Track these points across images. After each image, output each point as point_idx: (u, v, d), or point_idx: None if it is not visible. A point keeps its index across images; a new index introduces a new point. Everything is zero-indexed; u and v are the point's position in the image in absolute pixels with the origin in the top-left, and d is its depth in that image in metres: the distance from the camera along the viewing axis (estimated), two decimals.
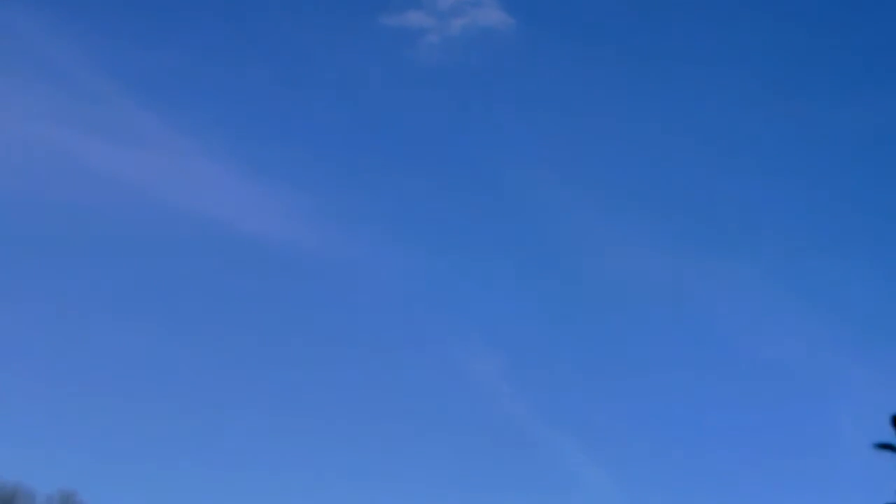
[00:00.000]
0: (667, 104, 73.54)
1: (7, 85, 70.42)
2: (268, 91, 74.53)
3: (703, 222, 72.44)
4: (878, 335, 67.34)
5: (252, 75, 74.24)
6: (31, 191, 69.49)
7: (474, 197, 73.59)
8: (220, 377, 66.18)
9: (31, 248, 69.49)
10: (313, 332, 69.50)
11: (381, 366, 67.46)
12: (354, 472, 61.16)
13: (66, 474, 56.63)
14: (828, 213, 73.65)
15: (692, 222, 72.47)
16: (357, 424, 64.42)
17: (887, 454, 7.07)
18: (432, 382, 66.55)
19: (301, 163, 73.16)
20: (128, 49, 73.01)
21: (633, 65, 74.27)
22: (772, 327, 68.81)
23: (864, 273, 71.10)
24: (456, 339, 68.21)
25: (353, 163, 74.02)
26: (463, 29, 69.59)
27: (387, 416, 64.72)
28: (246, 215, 71.74)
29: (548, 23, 73.83)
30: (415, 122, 75.08)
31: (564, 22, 74.53)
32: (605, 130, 73.28)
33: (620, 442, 63.95)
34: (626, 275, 70.79)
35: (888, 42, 73.32)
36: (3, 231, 69.25)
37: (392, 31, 70.61)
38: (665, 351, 68.89)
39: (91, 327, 66.86)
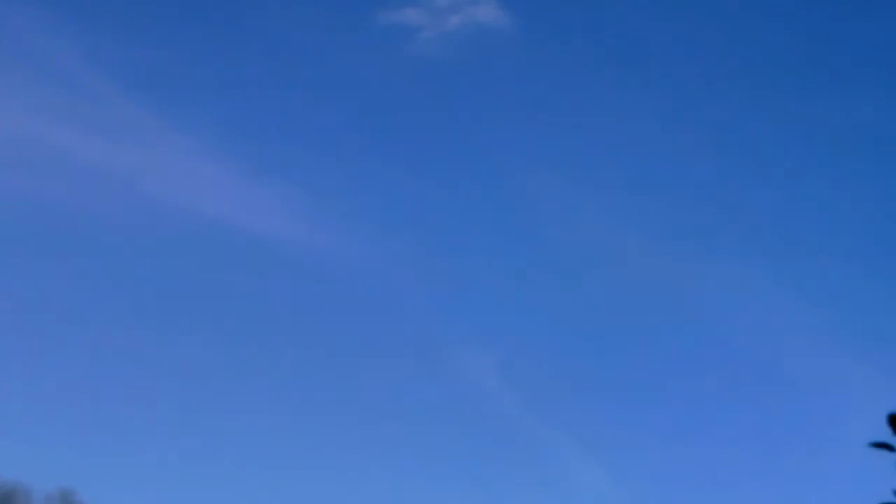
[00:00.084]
0: (667, 104, 73.58)
1: (6, 83, 70.41)
2: (265, 89, 74.60)
3: (703, 222, 72.48)
4: (879, 335, 67.40)
5: (250, 73, 74.31)
6: (30, 189, 69.47)
7: (472, 195, 73.69)
8: (219, 376, 66.22)
9: (28, 246, 69.48)
10: (311, 331, 69.58)
11: (379, 365, 67.50)
12: (351, 469, 61.25)
13: (64, 472, 56.69)
14: (828, 214, 73.68)
15: (692, 222, 72.50)
16: (354, 423, 64.49)
17: (885, 453, 7.03)
18: (430, 381, 66.57)
19: (299, 161, 73.20)
20: (126, 48, 73.05)
21: (632, 64, 74.31)
22: (772, 327, 68.84)
23: (864, 273, 71.15)
24: (454, 339, 68.31)
25: (352, 161, 74.12)
26: (459, 26, 69.61)
27: (385, 414, 64.76)
28: (245, 214, 71.79)
29: (544, 20, 73.81)
30: (412, 120, 75.11)
31: (561, 19, 74.53)
32: (604, 129, 73.28)
33: (619, 441, 63.98)
34: (626, 274, 70.82)
35: (892, 40, 73.34)
36: (3, 229, 69.30)
37: (388, 28, 70.63)
38: (664, 350, 68.92)
39: (89, 326, 66.91)
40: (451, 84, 72.90)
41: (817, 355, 65.97)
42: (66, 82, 69.97)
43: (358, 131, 74.84)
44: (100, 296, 69.24)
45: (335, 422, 64.52)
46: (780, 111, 73.03)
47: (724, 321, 69.01)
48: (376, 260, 72.04)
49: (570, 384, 67.49)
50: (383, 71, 72.91)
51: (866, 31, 73.56)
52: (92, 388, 63.39)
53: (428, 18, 70.40)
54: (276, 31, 74.19)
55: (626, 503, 60.92)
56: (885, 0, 72.15)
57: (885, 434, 6.92)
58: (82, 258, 70.45)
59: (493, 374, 66.57)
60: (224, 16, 74.57)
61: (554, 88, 73.75)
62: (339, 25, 73.55)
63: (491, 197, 73.56)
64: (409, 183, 73.33)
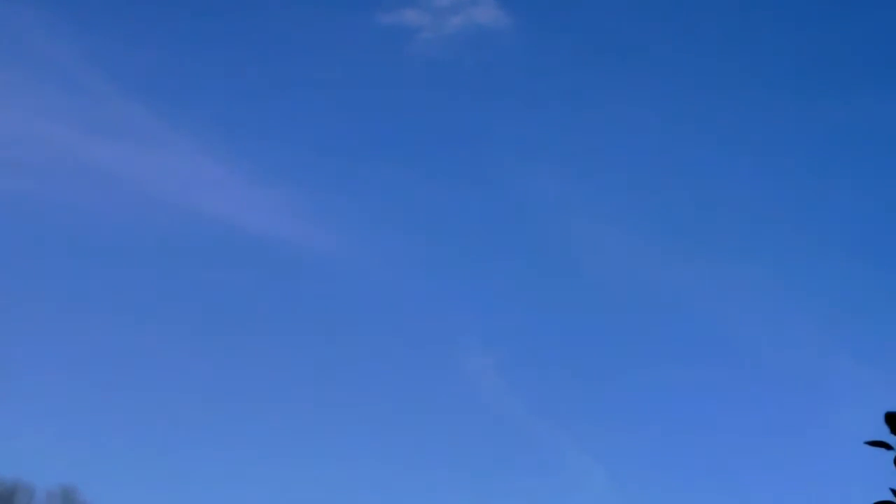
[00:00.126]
0: (667, 104, 73.66)
1: (8, 83, 70.51)
2: (266, 89, 74.69)
3: (703, 222, 72.58)
4: (877, 334, 67.52)
5: (250, 74, 74.40)
6: (32, 190, 69.56)
7: (472, 195, 73.78)
8: (220, 374, 66.34)
9: (31, 245, 69.60)
10: (312, 330, 69.67)
11: (379, 363, 67.61)
12: (352, 467, 61.33)
13: (66, 470, 56.80)
14: (829, 214, 73.78)
15: (692, 222, 72.60)
16: (355, 421, 64.60)
17: (882, 452, 7.15)
18: (430, 381, 66.70)
19: (299, 161, 73.29)
20: (128, 48, 73.18)
21: (632, 63, 74.41)
22: (771, 326, 68.96)
23: (864, 273, 71.24)
24: (454, 337, 68.39)
25: (352, 161, 74.15)
26: (459, 26, 69.71)
27: (385, 412, 64.88)
28: (246, 214, 71.87)
29: (544, 20, 73.96)
30: (412, 121, 75.23)
31: (561, 19, 74.66)
32: (603, 129, 73.41)
33: (619, 440, 64.09)
34: (625, 273, 70.94)
35: (893, 40, 73.43)
36: (3, 229, 69.37)
37: (388, 29, 70.73)
38: (664, 348, 69.04)
39: (91, 324, 67.03)
40: (451, 84, 73.06)
41: (815, 354, 66.16)
42: (66, 82, 70.14)
43: (358, 131, 75.01)
44: (100, 296, 69.39)
45: (336, 421, 64.69)
46: (780, 110, 73.21)
47: (724, 321, 69.18)
48: (377, 260, 72.20)
49: (570, 383, 67.65)
50: (383, 71, 73.07)
51: (868, 31, 73.71)
52: (93, 387, 63.58)
53: (428, 19, 70.61)
54: (276, 31, 74.38)
55: (626, 501, 61.08)
56: (885, 0, 72.29)
57: (882, 433, 7.03)
58: (83, 257, 70.62)
59: (494, 373, 66.73)
60: (224, 16, 74.77)
61: (553, 89, 73.92)
62: (340, 26, 73.73)
63: (491, 197, 73.73)
64: (409, 183, 73.50)
